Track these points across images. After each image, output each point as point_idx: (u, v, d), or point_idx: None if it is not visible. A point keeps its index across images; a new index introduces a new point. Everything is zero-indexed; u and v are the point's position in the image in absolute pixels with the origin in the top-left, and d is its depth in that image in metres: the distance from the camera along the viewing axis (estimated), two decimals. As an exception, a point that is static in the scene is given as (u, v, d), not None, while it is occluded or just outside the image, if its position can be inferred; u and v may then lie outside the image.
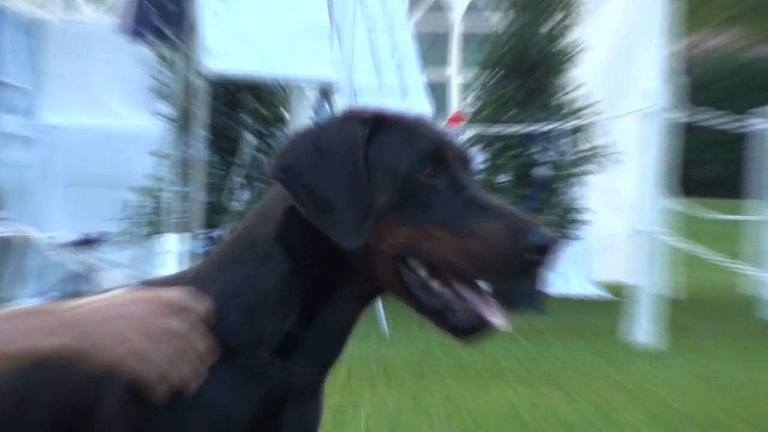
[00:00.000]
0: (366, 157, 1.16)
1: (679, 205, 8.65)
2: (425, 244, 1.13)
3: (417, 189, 1.15)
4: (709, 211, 9.33)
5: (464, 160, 1.21)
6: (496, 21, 7.75)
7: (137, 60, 6.61)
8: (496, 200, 1.17)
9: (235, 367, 1.17)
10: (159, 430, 1.16)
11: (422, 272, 1.15)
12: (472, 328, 1.14)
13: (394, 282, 1.16)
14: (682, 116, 7.50)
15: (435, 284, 1.15)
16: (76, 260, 5.97)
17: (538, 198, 7.72)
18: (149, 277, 1.43)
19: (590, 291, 8.36)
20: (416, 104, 7.59)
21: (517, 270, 1.11)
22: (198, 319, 1.12)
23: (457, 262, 1.12)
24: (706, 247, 7.53)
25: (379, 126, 1.19)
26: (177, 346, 1.07)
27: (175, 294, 1.12)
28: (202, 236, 6.10)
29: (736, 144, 10.66)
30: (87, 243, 6.63)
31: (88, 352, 1.03)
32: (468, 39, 9.66)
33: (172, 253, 5.98)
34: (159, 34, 6.12)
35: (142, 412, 1.14)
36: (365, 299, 1.22)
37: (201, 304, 1.13)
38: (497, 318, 1.14)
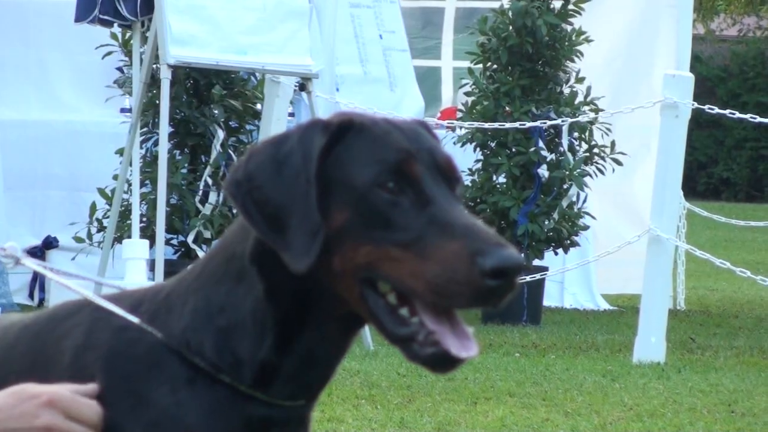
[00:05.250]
0: (324, 170, 1.18)
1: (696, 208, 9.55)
2: (384, 266, 1.15)
3: (377, 205, 1.16)
4: (720, 216, 10.07)
5: (444, 172, 1.20)
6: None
7: (94, 46, 6.89)
8: (463, 216, 1.17)
9: (213, 397, 1.21)
10: None
11: (391, 297, 1.17)
12: (438, 361, 1.16)
13: (360, 306, 1.18)
14: (706, 109, 7.59)
15: (404, 311, 1.17)
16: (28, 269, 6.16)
17: (539, 201, 7.87)
18: (116, 289, 1.47)
19: (591, 303, 8.72)
20: (406, 96, 7.81)
21: (474, 296, 1.13)
22: (82, 418, 1.22)
23: (414, 287, 1.14)
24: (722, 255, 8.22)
25: (343, 135, 1.19)
26: None
27: (61, 391, 1.22)
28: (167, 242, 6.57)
29: (751, 143, 11.12)
30: (40, 250, 7.07)
31: None
32: (465, 16, 9.63)
33: (137, 260, 6.17)
34: (118, 16, 6.24)
35: None
36: (350, 324, 1.24)
37: (88, 407, 1.22)
38: (465, 349, 1.16)
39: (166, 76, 6.00)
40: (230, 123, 7.15)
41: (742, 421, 5.47)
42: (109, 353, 1.26)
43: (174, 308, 1.26)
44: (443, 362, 1.17)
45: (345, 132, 1.20)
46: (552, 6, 8.09)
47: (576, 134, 8.03)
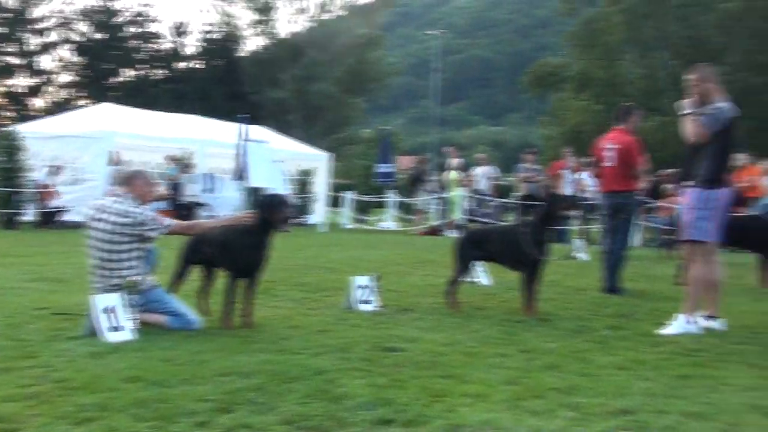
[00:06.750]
0: (271, 199, 6.07)
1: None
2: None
3: (275, 206, 5.89)
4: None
5: (286, 202, 6.05)
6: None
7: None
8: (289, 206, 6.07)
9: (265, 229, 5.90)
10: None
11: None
12: (285, 233, 6.04)
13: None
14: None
15: None
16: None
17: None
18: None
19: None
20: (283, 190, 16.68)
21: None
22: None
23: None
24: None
25: (272, 195, 6.40)
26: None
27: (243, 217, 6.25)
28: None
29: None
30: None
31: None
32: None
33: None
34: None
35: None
36: None
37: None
38: (290, 229, 6.14)
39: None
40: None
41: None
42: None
43: None
44: (286, 232, 6.07)
45: (273, 195, 6.37)
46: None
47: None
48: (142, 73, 49.53)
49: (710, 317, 6.49)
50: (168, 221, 5.89)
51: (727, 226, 6.64)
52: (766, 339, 6.11)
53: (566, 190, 16.46)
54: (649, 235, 17.04)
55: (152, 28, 49.72)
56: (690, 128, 6.29)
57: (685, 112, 6.36)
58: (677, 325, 6.29)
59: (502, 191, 21.50)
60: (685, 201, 6.52)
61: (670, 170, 16.74)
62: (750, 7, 38.60)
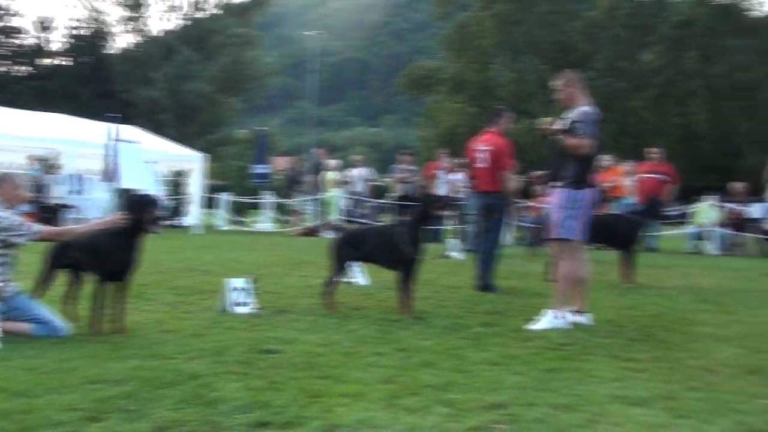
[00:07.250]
0: (140, 200, 5.89)
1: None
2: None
3: (144, 207, 5.72)
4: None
5: (155, 203, 5.78)
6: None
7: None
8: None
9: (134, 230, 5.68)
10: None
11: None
12: (155, 234, 5.94)
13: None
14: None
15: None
16: None
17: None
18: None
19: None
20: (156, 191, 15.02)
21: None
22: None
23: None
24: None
25: (141, 195, 6.10)
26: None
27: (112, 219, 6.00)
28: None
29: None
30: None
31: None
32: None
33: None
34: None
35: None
36: None
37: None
38: (161, 231, 5.86)
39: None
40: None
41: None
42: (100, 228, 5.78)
43: None
44: (158, 233, 6.11)
45: (145, 196, 6.06)
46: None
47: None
48: (4, 69, 47.18)
49: (577, 312, 6.77)
50: (37, 227, 5.65)
51: (592, 224, 6.95)
52: (628, 333, 6.41)
53: (440, 190, 16.79)
54: (519, 234, 17.61)
55: (14, 22, 47.49)
56: (574, 144, 6.50)
57: (558, 131, 6.57)
58: (546, 320, 6.52)
59: (378, 192, 21.74)
60: (553, 201, 6.77)
61: (539, 172, 17.39)
62: (613, 15, 40.53)
